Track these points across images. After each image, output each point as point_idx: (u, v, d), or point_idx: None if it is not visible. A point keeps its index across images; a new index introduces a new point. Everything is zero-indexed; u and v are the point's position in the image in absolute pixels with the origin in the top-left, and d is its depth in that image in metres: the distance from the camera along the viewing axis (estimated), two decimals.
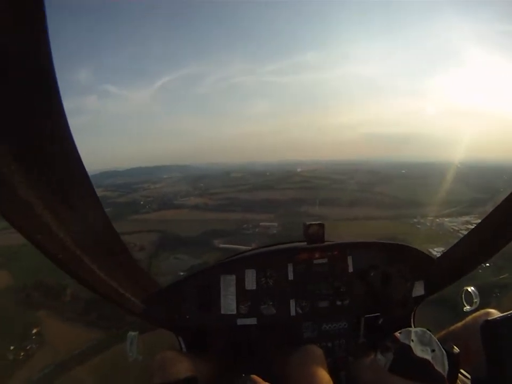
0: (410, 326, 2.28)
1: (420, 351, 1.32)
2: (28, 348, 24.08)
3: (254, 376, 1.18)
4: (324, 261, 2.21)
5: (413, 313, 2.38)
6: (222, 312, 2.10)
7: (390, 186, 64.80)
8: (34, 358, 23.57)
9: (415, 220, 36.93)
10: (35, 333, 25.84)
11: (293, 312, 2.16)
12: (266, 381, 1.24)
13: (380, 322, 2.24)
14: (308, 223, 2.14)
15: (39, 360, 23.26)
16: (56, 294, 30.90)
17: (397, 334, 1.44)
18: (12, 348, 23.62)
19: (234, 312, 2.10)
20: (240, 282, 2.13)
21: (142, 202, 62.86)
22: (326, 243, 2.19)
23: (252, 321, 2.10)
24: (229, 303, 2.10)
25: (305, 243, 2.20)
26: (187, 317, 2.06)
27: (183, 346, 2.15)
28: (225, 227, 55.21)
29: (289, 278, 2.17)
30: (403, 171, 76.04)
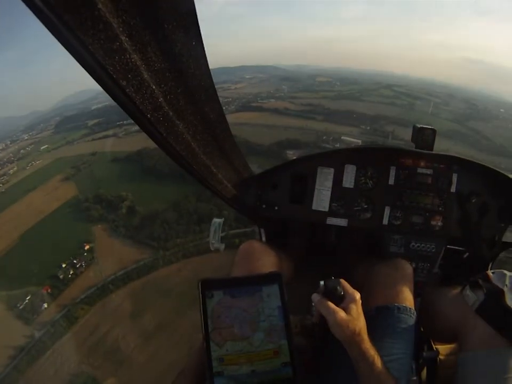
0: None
1: (510, 300, 1.25)
2: (77, 266, 26.04)
3: (343, 281, 1.09)
4: (429, 171, 2.02)
5: (493, 259, 2.17)
6: (313, 207, 2.02)
7: (487, 124, 57.83)
8: (81, 278, 25.45)
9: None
10: (87, 249, 27.67)
11: (385, 221, 2.04)
12: None
13: (464, 257, 2.15)
14: (419, 125, 1.97)
15: (85, 280, 24.87)
16: (114, 206, 31.96)
17: (490, 273, 1.36)
18: (64, 265, 25.73)
19: (326, 210, 2.02)
20: (337, 178, 2.03)
21: None
22: (434, 152, 2.01)
23: (342, 222, 2.03)
24: (322, 199, 2.03)
25: (413, 147, 2.03)
26: (275, 208, 2.03)
27: (263, 239, 2.13)
28: (302, 137, 50.68)
29: (389, 183, 2.03)
30: (501, 110, 68.43)
